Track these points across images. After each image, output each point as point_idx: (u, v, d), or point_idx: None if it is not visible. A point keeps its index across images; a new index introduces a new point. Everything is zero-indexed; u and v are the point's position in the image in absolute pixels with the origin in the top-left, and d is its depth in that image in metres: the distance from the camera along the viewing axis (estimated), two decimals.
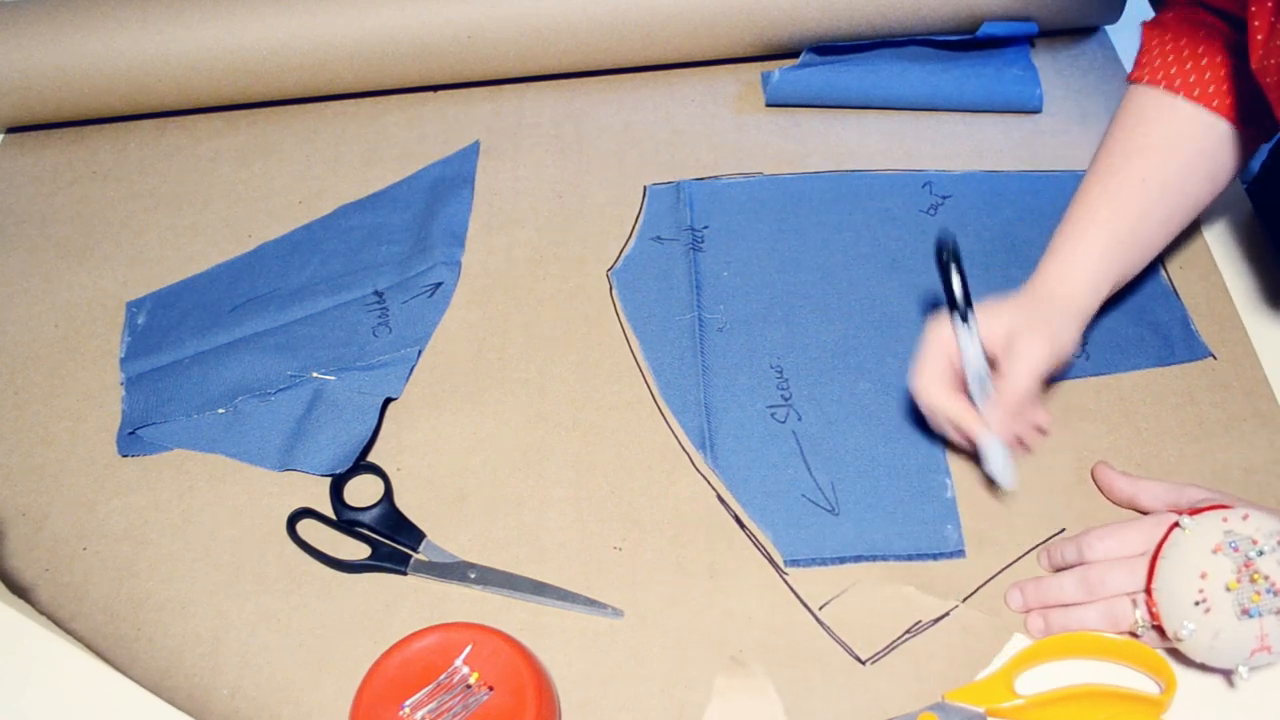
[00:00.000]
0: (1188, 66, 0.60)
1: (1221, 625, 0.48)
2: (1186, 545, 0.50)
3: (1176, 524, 0.51)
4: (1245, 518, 0.49)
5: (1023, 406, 0.56)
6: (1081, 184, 0.61)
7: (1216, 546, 0.49)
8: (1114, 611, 0.52)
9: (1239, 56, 0.58)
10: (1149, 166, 0.59)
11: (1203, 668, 0.51)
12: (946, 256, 0.54)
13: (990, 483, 0.59)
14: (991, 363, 0.56)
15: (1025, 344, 0.55)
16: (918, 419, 0.62)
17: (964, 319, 0.55)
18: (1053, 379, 0.63)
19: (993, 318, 0.56)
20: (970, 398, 0.56)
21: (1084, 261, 0.59)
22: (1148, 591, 0.51)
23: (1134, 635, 0.52)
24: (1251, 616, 0.48)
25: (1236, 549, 0.49)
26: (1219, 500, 0.52)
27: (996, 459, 0.57)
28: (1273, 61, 0.52)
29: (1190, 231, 0.70)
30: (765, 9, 0.78)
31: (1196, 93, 0.59)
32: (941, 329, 0.56)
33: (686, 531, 0.58)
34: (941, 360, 0.56)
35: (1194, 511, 0.51)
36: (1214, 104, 0.59)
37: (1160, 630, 0.51)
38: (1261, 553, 0.48)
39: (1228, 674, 0.52)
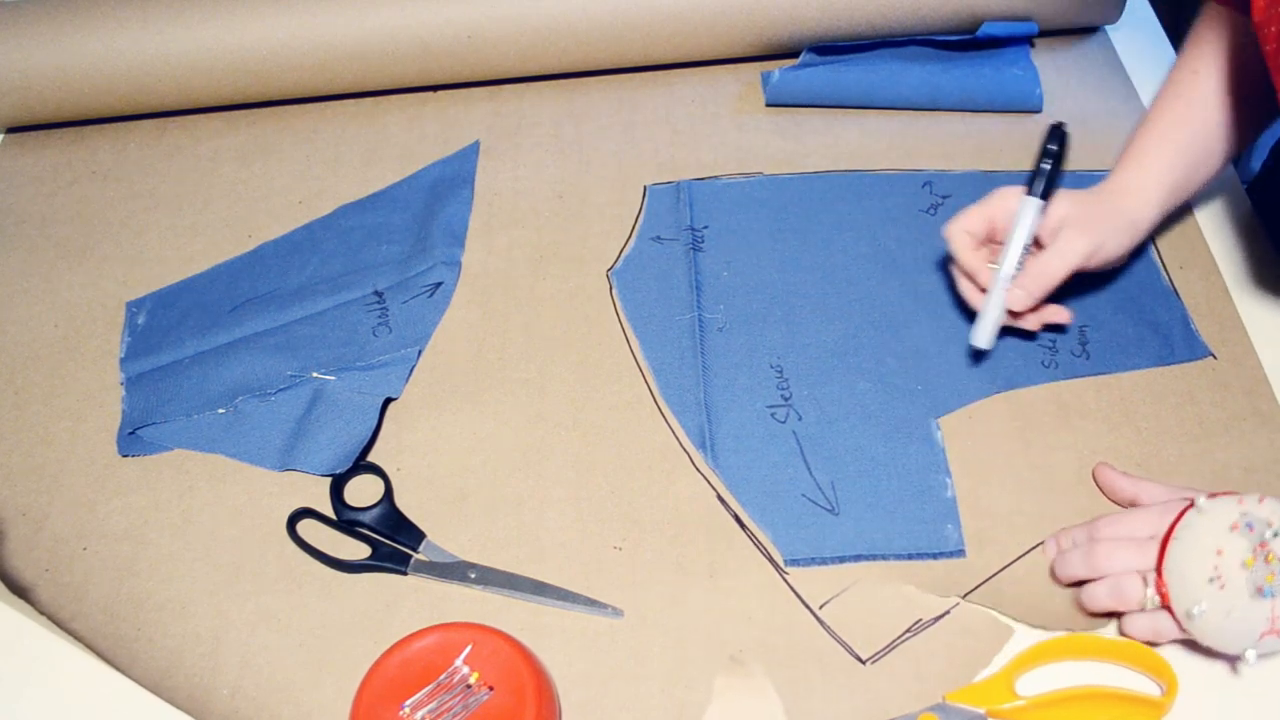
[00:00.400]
0: None
1: (1234, 604, 0.48)
2: (1201, 526, 0.50)
3: (1191, 505, 0.51)
4: (1261, 501, 0.50)
5: (1041, 288, 0.59)
6: (1154, 100, 0.64)
7: (1233, 525, 0.49)
8: (1122, 588, 0.52)
9: None
10: (1214, 81, 0.62)
11: (1209, 654, 0.51)
12: (1059, 145, 0.58)
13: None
14: (1036, 244, 0.60)
15: (1069, 236, 0.59)
16: (917, 419, 0.62)
17: (1043, 197, 0.59)
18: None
19: (1052, 205, 0.60)
20: (996, 269, 0.60)
21: (1149, 171, 0.62)
22: (1159, 572, 0.50)
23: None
24: (1265, 596, 0.48)
25: (1252, 528, 0.49)
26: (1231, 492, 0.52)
27: (989, 315, 0.61)
28: (1273, 29, 0.52)
29: (1190, 231, 0.70)
30: (765, 9, 0.78)
31: (1263, 5, 0.60)
32: (1005, 197, 0.60)
33: (686, 531, 0.58)
34: (983, 220, 0.61)
35: (1211, 495, 0.51)
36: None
37: (1169, 612, 0.51)
38: (1277, 534, 0.48)
39: (1233, 663, 0.52)
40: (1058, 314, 0.63)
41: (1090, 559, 0.53)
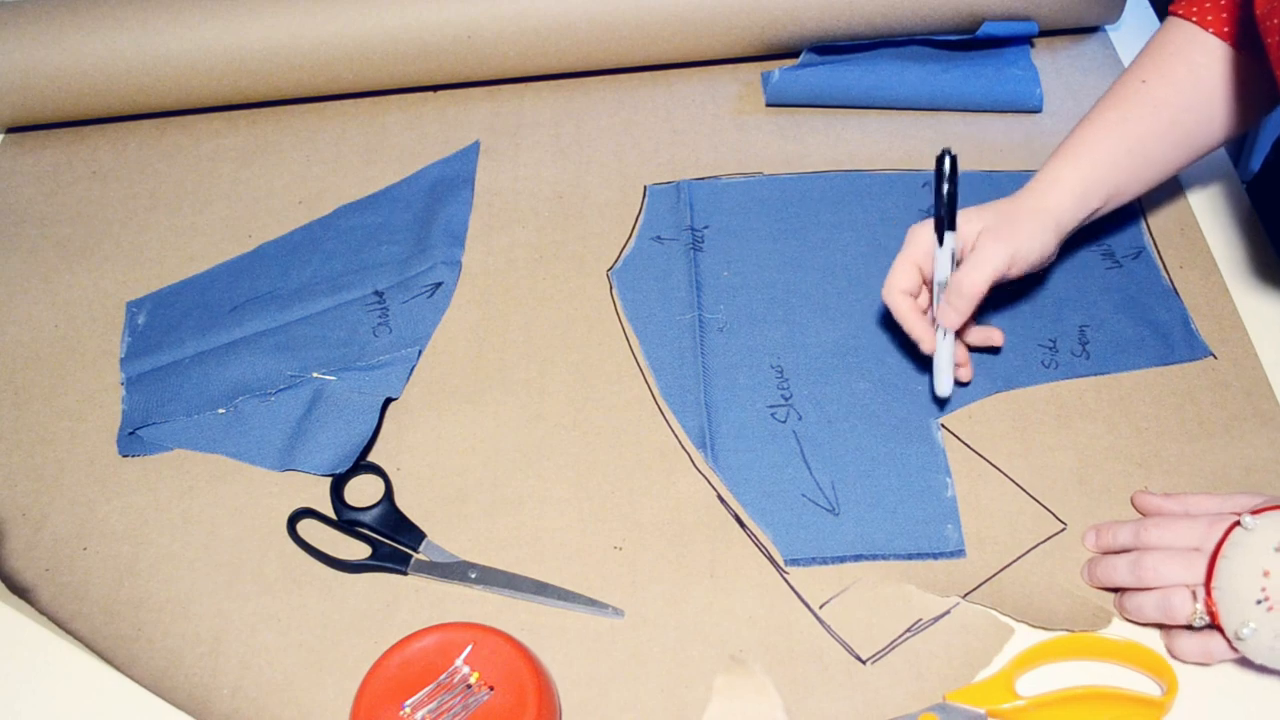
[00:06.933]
0: (1223, 3, 0.60)
1: None
2: (1249, 543, 0.49)
3: (1237, 523, 0.50)
4: None
5: (966, 302, 0.58)
6: (1096, 104, 0.63)
7: (1278, 546, 0.48)
8: (1171, 602, 0.51)
9: None
10: (1165, 94, 0.61)
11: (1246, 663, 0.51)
12: (948, 168, 0.56)
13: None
14: (958, 263, 0.59)
15: (986, 247, 0.57)
16: (917, 419, 0.62)
17: (942, 233, 0.57)
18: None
19: (967, 222, 0.59)
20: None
21: (1074, 174, 0.60)
22: (1208, 590, 0.50)
23: (1189, 628, 0.51)
24: None
25: None
26: (1276, 502, 0.51)
27: (939, 362, 0.60)
28: (1276, 21, 0.52)
29: (1191, 231, 0.71)
30: (765, 9, 0.78)
31: (1227, 30, 0.59)
32: (920, 239, 0.59)
33: (686, 531, 0.58)
34: (910, 271, 0.59)
35: (1256, 511, 0.50)
36: (1244, 43, 0.59)
37: (1219, 631, 0.50)
38: None
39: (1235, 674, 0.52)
40: (990, 336, 0.63)
41: (1137, 569, 0.52)
